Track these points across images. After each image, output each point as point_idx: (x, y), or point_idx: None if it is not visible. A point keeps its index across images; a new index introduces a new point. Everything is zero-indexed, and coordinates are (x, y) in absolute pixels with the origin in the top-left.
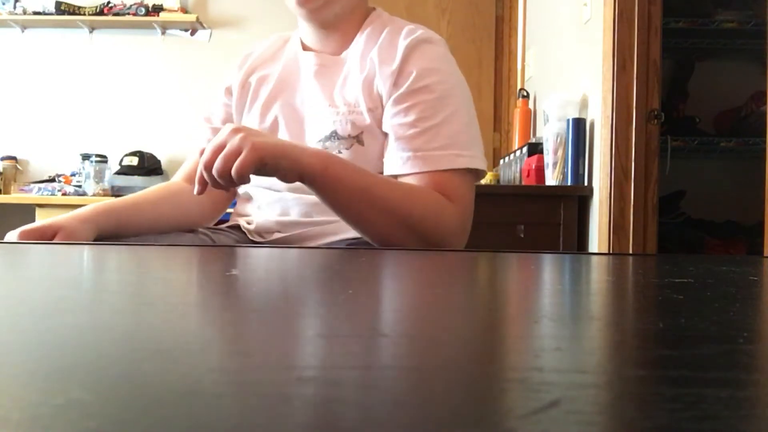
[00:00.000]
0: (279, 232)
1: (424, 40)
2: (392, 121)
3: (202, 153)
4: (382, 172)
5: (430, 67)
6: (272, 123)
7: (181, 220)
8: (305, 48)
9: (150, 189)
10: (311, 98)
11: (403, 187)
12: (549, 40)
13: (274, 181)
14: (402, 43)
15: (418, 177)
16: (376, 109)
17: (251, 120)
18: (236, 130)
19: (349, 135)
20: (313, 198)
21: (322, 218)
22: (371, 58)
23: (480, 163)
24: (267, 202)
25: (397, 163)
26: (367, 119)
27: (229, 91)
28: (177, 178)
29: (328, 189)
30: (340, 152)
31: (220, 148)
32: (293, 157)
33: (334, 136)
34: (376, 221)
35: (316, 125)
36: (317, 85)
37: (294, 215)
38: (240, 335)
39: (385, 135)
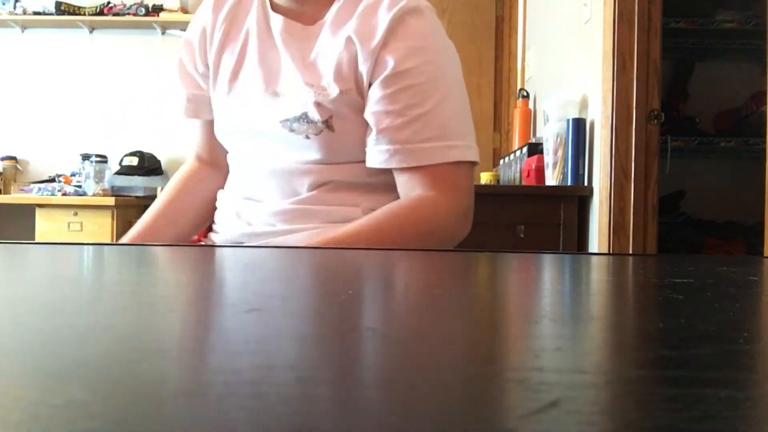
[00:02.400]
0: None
1: (409, 11)
2: (375, 107)
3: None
4: (360, 161)
5: (417, 45)
6: (234, 90)
7: (208, 214)
8: (274, 8)
9: (166, 199)
10: (281, 70)
11: (396, 219)
12: (549, 40)
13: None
14: (384, 16)
15: (406, 172)
16: (350, 92)
17: (219, 83)
18: None
19: (318, 119)
20: (277, 207)
21: (286, 227)
22: (348, 33)
23: (474, 155)
24: (231, 212)
25: (382, 156)
26: (337, 102)
27: (197, 40)
28: (191, 159)
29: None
30: (307, 137)
31: None
32: None
33: (304, 118)
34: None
35: (282, 103)
36: (288, 57)
37: (258, 226)
38: (240, 335)
39: (365, 122)
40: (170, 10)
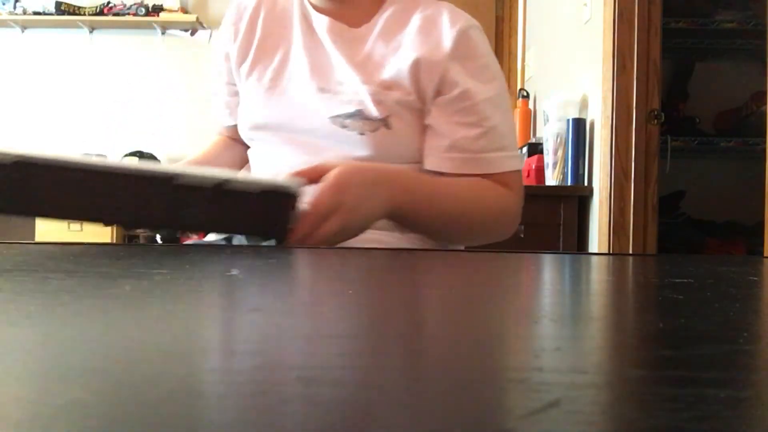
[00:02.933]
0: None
1: (472, 27)
2: (449, 118)
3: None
4: (415, 162)
5: (483, 62)
6: (278, 85)
7: None
8: (316, 9)
9: (191, 160)
10: (331, 68)
11: (472, 189)
12: (549, 40)
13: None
14: (448, 31)
15: (475, 177)
16: (410, 96)
17: (255, 76)
18: (337, 193)
19: (376, 117)
20: None
21: None
22: (407, 43)
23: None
24: None
25: (455, 163)
26: (397, 103)
27: (231, 39)
28: (214, 139)
29: (407, 225)
30: (362, 134)
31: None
32: (369, 221)
33: (358, 114)
34: (457, 234)
35: (333, 99)
36: (339, 55)
37: None
38: (240, 335)
39: (420, 125)
40: (170, 10)
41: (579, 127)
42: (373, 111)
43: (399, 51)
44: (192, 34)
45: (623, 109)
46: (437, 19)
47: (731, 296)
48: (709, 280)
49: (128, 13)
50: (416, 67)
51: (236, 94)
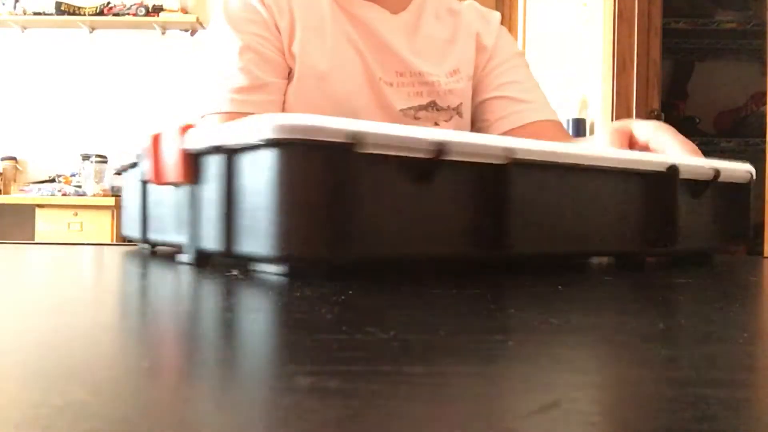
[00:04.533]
0: None
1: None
2: (508, 77)
3: None
4: None
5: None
6: (329, 79)
7: None
8: None
9: None
10: (389, 58)
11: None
12: (549, 40)
13: None
14: (493, 17)
15: (547, 122)
16: (470, 81)
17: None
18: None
19: (448, 106)
20: None
21: None
22: (461, 29)
23: None
24: None
25: (531, 111)
26: (466, 90)
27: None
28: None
29: None
30: (437, 124)
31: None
32: None
33: (432, 105)
34: None
35: (401, 91)
36: (394, 45)
37: None
38: (240, 335)
39: (473, 111)
40: (170, 11)
41: (579, 127)
42: (447, 100)
43: (458, 35)
44: (192, 34)
45: (623, 109)
46: (473, 5)
47: (731, 296)
48: (709, 280)
49: (128, 14)
50: (472, 52)
51: (288, 76)
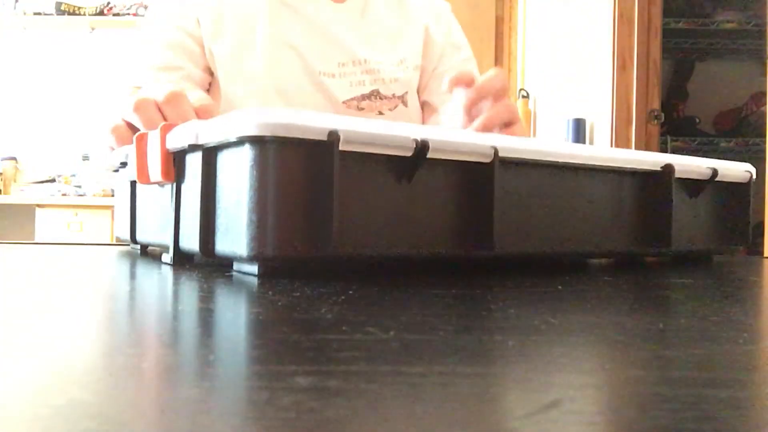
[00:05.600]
0: None
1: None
2: (455, 63)
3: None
4: None
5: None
6: (269, 74)
7: None
8: None
9: None
10: (330, 49)
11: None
12: (549, 40)
13: None
14: (443, 9)
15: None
16: (416, 70)
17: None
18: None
19: (393, 94)
20: None
21: None
22: (409, 14)
23: None
24: None
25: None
26: (412, 79)
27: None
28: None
29: None
30: (381, 113)
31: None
32: None
33: (375, 95)
34: None
35: (343, 82)
36: (337, 35)
37: None
38: (240, 335)
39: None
40: None
41: (579, 127)
42: (392, 89)
43: (407, 24)
44: None
45: (623, 109)
46: None
47: (731, 296)
48: (709, 280)
49: (128, 14)
50: (422, 40)
51: (207, 70)
